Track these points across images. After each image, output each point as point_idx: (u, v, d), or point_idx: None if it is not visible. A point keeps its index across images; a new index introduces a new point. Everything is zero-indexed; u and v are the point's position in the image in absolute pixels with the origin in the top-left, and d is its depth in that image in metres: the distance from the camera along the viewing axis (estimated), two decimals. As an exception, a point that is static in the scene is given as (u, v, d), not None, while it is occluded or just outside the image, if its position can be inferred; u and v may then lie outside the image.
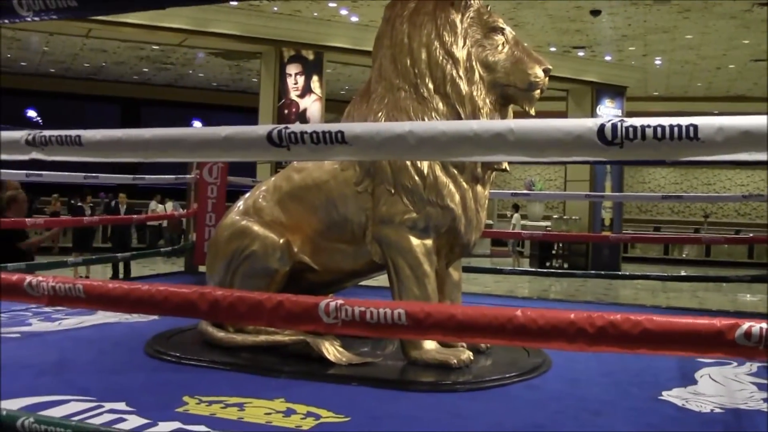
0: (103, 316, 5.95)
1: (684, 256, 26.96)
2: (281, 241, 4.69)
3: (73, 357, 4.71)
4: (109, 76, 27.84)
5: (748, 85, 27.09)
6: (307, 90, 20.26)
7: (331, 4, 18.43)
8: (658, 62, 22.50)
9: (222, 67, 25.81)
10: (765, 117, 1.75)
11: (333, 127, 1.94)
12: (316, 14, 19.25)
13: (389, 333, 1.84)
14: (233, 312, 2.13)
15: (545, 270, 15.92)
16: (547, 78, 4.60)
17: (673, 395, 4.08)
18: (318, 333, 4.77)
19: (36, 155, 2.19)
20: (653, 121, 1.78)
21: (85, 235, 15.29)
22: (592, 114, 22.76)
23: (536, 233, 15.26)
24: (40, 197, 23.07)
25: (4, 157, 2.26)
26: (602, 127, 1.75)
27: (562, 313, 1.79)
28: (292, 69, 19.78)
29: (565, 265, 19.52)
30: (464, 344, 4.61)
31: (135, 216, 14.45)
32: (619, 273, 12.84)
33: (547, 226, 20.68)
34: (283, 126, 1.95)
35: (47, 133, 2.20)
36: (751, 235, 17.48)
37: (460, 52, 4.50)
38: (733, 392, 4.18)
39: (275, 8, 18.88)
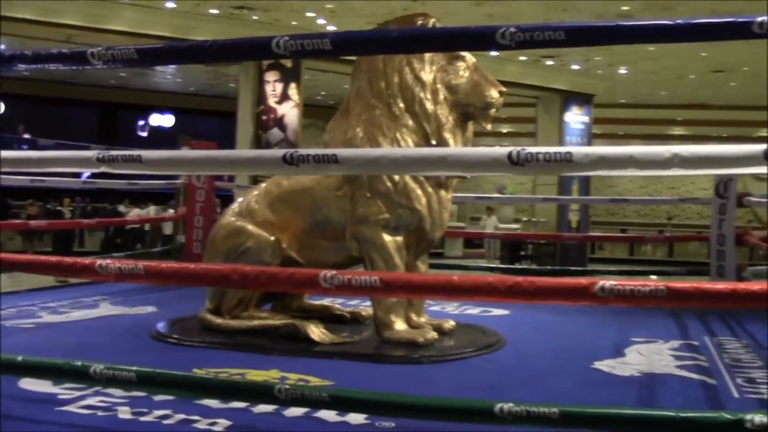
0: (106, 310, 6.62)
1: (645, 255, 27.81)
2: (272, 238, 5.41)
3: (89, 342, 5.34)
4: (86, 80, 28.12)
5: (710, 94, 28.05)
6: (284, 97, 20.80)
7: (309, 14, 19.05)
8: (623, 71, 23.28)
9: (199, 73, 26.27)
10: (617, 147, 2.52)
11: (329, 151, 2.72)
12: (294, 23, 19.86)
13: (369, 293, 2.57)
14: (257, 281, 2.93)
15: (506, 267, 16.64)
16: (501, 98, 5.38)
17: (604, 364, 4.85)
18: (305, 316, 5.57)
19: (105, 170, 2.94)
20: (543, 148, 2.52)
21: (65, 239, 15.72)
22: (560, 119, 23.55)
23: (497, 233, 16.09)
24: (11, 201, 23.05)
25: (75, 169, 3.01)
26: (510, 153, 2.53)
27: (484, 277, 2.58)
28: (271, 77, 20.30)
29: (534, 266, 20.27)
30: (430, 326, 5.42)
31: (129, 218, 14.98)
32: (580, 269, 13.65)
33: (516, 228, 21.44)
34: (293, 150, 2.71)
35: (114, 152, 2.93)
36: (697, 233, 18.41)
37: (428, 77, 5.28)
38: (653, 362, 4.97)
39: (255, 17, 19.48)
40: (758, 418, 2.38)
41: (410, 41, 2.90)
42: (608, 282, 2.42)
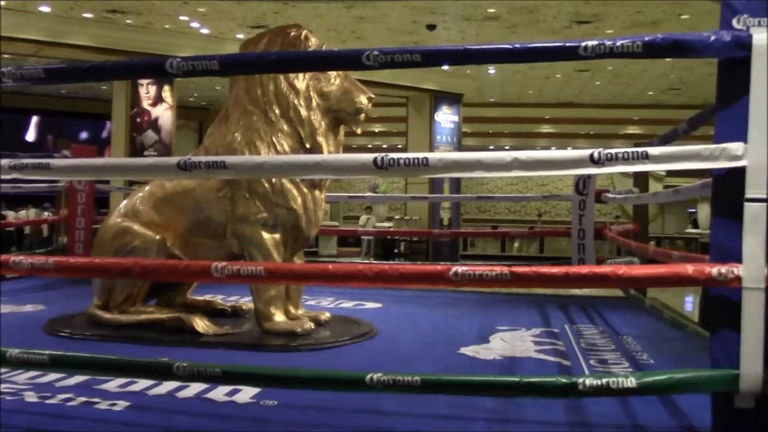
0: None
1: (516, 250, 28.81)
2: (157, 237, 5.65)
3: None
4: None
5: (575, 92, 29.21)
6: (158, 99, 20.80)
7: (182, 17, 19.08)
8: (492, 71, 23.98)
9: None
10: (466, 153, 2.95)
11: (218, 158, 3.05)
12: (168, 26, 19.86)
13: (255, 281, 2.94)
14: (157, 272, 3.26)
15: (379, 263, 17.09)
16: (370, 104, 5.78)
17: (469, 350, 5.25)
18: (189, 311, 5.85)
19: (16, 176, 3.21)
20: (404, 155, 2.92)
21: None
22: (431, 119, 24.23)
23: (370, 230, 16.60)
24: None
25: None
26: (375, 159, 2.91)
27: (355, 265, 2.98)
28: (144, 79, 20.36)
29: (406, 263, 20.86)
30: (307, 317, 5.78)
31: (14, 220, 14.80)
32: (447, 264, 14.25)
33: (389, 227, 21.98)
34: (187, 157, 3.04)
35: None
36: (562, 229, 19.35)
37: (301, 84, 5.63)
38: (514, 347, 5.42)
39: (129, 21, 19.40)
40: (589, 381, 2.82)
41: (289, 62, 3.30)
42: (461, 268, 2.83)
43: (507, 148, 37.26)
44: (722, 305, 2.80)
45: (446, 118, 24.42)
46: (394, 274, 2.87)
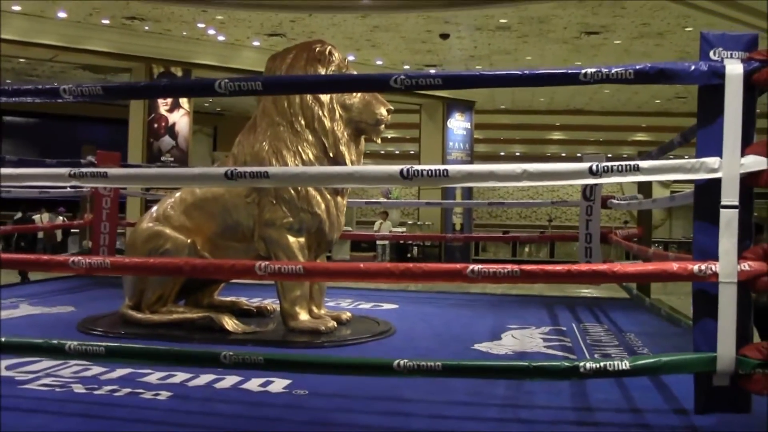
0: (26, 310, 7.00)
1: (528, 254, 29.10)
2: (188, 241, 6.00)
3: (24, 336, 5.87)
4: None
5: (585, 100, 29.56)
6: (175, 105, 21.17)
7: (199, 25, 19.44)
8: (504, 79, 24.32)
9: (88, 81, 26.27)
10: (482, 165, 3.33)
11: (262, 169, 3.44)
12: (185, 33, 20.22)
13: (295, 278, 3.39)
14: (206, 271, 3.66)
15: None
16: (389, 116, 6.14)
17: (482, 346, 5.62)
18: (216, 311, 6.21)
19: (75, 184, 3.60)
20: (427, 166, 3.30)
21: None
22: (444, 125, 24.61)
23: (386, 234, 16.99)
24: None
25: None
26: (401, 170, 3.29)
27: (383, 264, 3.35)
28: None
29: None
30: (329, 317, 6.14)
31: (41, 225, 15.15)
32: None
33: (402, 231, 22.34)
34: (233, 168, 3.43)
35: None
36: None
37: (325, 97, 5.97)
38: (524, 343, 5.78)
39: (147, 27, 19.79)
40: (589, 364, 3.22)
41: (325, 85, 3.73)
42: (477, 266, 3.22)
43: (518, 154, 37.73)
44: (702, 298, 3.24)
45: (458, 124, 24.83)
46: (418, 272, 3.25)
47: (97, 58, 20.50)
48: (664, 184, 19.55)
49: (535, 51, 21.50)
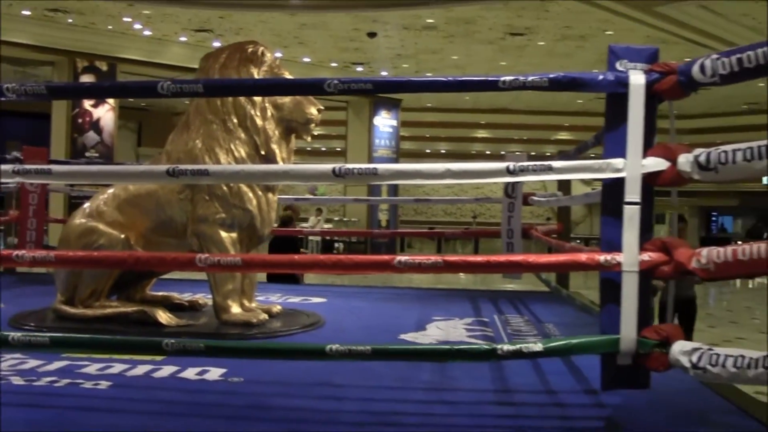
0: (-42, 305, 7.10)
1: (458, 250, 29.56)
2: (122, 236, 6.09)
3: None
4: None
5: (510, 99, 30.14)
6: (100, 100, 21.07)
7: (125, 19, 19.34)
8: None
9: (6, 73, 25.83)
10: (408, 164, 3.58)
11: (202, 167, 3.64)
12: (110, 27, 20.09)
13: (233, 270, 3.61)
14: (149, 263, 3.84)
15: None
16: (320, 115, 6.35)
17: (408, 336, 5.84)
18: (152, 305, 6.34)
19: (19, 180, 3.74)
20: (358, 165, 3.53)
21: None
22: (370, 123, 24.89)
23: (314, 230, 17.22)
24: None
25: None
26: (333, 168, 3.53)
27: (316, 255, 3.59)
28: (86, 79, 20.35)
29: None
30: (260, 310, 6.32)
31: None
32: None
33: (329, 228, 22.60)
34: (175, 166, 3.61)
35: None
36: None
37: (257, 96, 6.18)
38: (449, 333, 6.02)
39: (70, 20, 19.56)
40: (506, 347, 3.50)
41: (264, 88, 3.98)
42: (403, 257, 3.46)
43: (443, 151, 38.26)
44: (608, 285, 3.57)
45: (385, 122, 25.14)
46: (349, 263, 3.49)
47: (17, 51, 20.13)
48: (586, 182, 20.08)
49: (462, 51, 21.90)
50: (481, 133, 37.45)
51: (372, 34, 20.15)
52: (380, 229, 22.68)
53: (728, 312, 17.92)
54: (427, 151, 37.67)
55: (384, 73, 25.16)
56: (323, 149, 35.86)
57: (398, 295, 8.79)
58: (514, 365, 4.54)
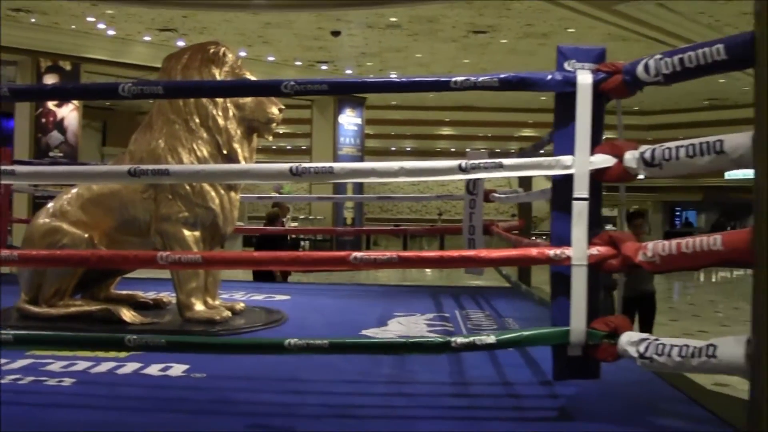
0: None
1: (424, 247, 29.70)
2: (86, 235, 6.13)
3: None
4: None
5: (474, 97, 30.29)
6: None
7: (89, 18, 19.26)
8: (393, 76, 24.80)
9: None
10: (363, 163, 3.67)
11: (163, 167, 3.72)
12: (74, 27, 19.99)
13: (194, 267, 3.70)
14: (112, 261, 3.91)
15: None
16: (281, 115, 6.43)
17: (369, 332, 5.91)
18: (116, 303, 6.39)
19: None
20: (315, 164, 3.62)
21: None
22: (335, 121, 24.93)
23: (279, 228, 17.26)
24: None
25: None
26: (291, 168, 3.61)
27: (275, 252, 3.68)
28: (49, 79, 20.27)
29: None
30: (224, 307, 6.39)
31: None
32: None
33: (295, 226, 22.63)
34: (136, 166, 3.69)
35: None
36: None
37: (217, 98, 6.24)
38: (410, 329, 6.12)
39: (33, 19, 19.45)
40: (460, 339, 3.60)
41: (224, 90, 4.06)
42: (359, 253, 3.56)
43: (408, 149, 38.42)
44: (558, 279, 3.69)
45: (350, 120, 25.19)
46: (306, 260, 3.60)
47: (-20, 51, 19.97)
48: (550, 179, 20.27)
49: (425, 49, 22.03)
50: (446, 131, 37.67)
51: (336, 33, 20.22)
52: (345, 227, 22.75)
53: (691, 306, 18.17)
54: (393, 149, 37.83)
55: (348, 72, 25.26)
56: (289, 147, 35.91)
57: (362, 292, 8.90)
58: (472, 359, 4.67)
